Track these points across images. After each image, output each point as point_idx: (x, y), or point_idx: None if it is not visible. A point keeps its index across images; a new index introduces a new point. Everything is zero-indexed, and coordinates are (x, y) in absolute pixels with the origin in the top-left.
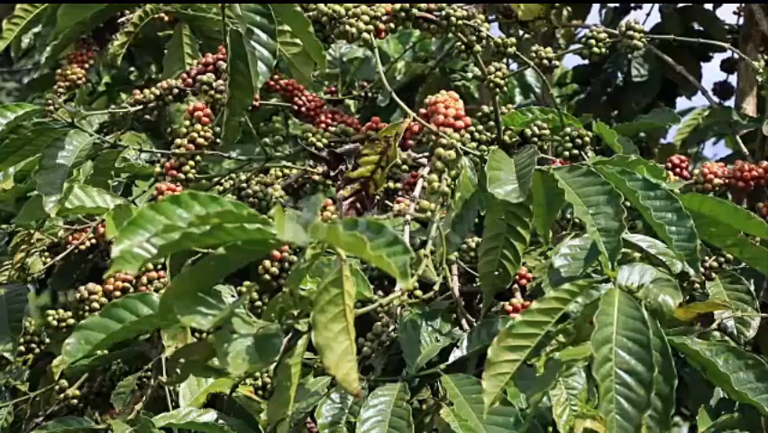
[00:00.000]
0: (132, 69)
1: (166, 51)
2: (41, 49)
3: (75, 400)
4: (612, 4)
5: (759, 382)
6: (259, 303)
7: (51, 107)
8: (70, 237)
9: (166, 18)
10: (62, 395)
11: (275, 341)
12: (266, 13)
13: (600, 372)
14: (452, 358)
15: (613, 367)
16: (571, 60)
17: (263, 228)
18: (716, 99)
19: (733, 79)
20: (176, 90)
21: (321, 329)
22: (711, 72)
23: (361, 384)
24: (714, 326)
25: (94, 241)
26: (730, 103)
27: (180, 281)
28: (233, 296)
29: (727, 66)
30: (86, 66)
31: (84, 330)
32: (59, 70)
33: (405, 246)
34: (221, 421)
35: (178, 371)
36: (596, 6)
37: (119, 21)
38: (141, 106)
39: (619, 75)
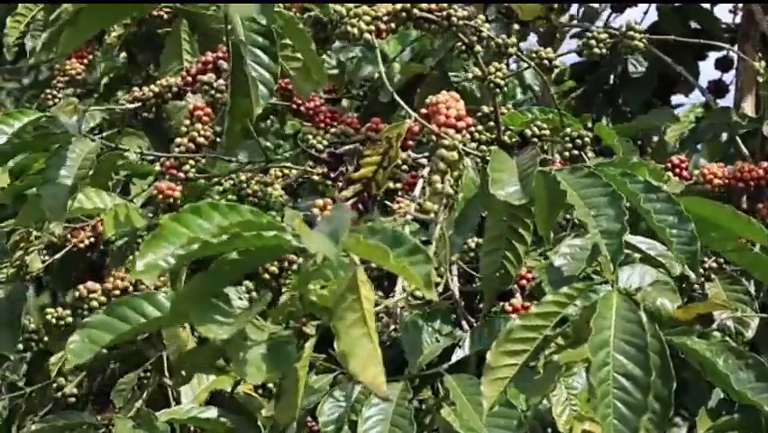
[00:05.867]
0: (130, 67)
1: (164, 48)
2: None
3: (73, 399)
4: (605, 3)
5: (759, 382)
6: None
7: (53, 108)
8: (69, 236)
9: (165, 16)
10: (60, 393)
11: (289, 348)
12: (268, 34)
13: (598, 376)
14: (454, 358)
15: (610, 371)
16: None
17: (280, 235)
18: (711, 98)
19: (727, 78)
20: (175, 89)
21: (342, 336)
22: (704, 70)
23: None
24: (714, 326)
25: (92, 240)
26: (725, 101)
27: (194, 285)
28: (240, 298)
29: (722, 65)
30: (85, 62)
31: (89, 329)
32: (57, 66)
33: (426, 255)
34: (222, 418)
35: (183, 373)
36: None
37: None
38: (139, 104)
39: (616, 72)
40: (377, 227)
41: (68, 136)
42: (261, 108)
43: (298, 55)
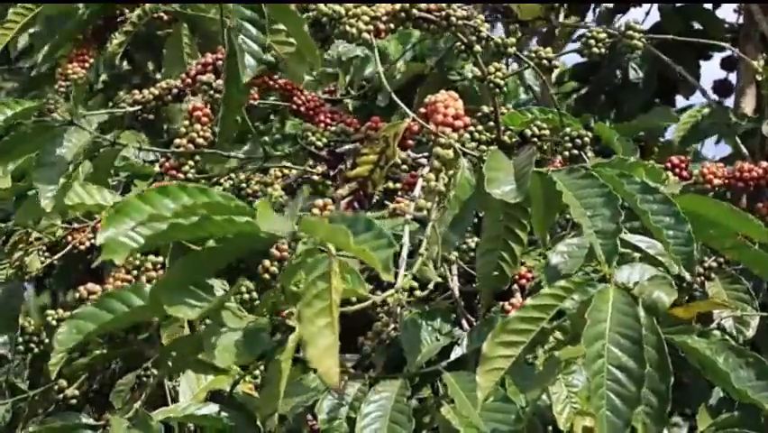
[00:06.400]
0: (129, 67)
1: (165, 51)
2: (38, 48)
3: (74, 401)
4: (609, 4)
5: (759, 380)
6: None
7: (51, 106)
8: (69, 237)
9: (165, 17)
10: (61, 395)
11: (263, 335)
12: (257, 8)
13: (592, 368)
14: (453, 356)
15: (605, 363)
16: (567, 57)
17: (252, 221)
18: (715, 97)
19: (732, 77)
20: (175, 90)
21: (306, 323)
22: (710, 70)
23: (361, 381)
24: (713, 325)
25: (93, 241)
26: (730, 101)
27: (171, 273)
28: (225, 290)
29: (728, 64)
30: (87, 65)
31: (76, 320)
32: (59, 69)
33: (389, 240)
34: (223, 414)
35: (170, 363)
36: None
37: (118, 20)
38: (140, 107)
39: (618, 73)
40: (345, 215)
41: (65, 127)
42: (248, 78)
43: (292, 40)
